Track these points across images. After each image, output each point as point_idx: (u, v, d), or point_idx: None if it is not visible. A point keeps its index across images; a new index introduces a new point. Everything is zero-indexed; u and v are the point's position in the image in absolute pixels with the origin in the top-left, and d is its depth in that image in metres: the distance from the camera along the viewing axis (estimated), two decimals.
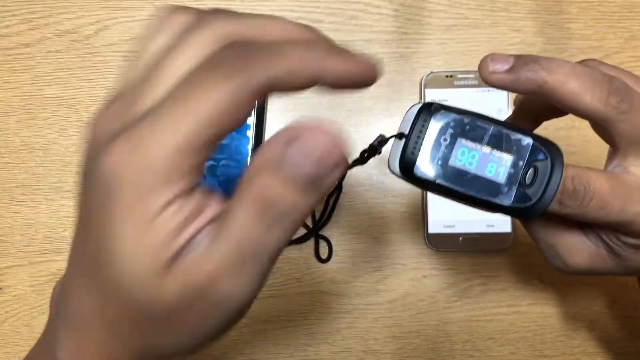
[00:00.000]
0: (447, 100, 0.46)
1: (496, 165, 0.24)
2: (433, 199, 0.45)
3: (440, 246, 0.45)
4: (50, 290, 0.44)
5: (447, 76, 0.46)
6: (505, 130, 0.24)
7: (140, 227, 0.17)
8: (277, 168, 0.17)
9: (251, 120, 0.45)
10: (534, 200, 0.24)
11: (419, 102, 0.24)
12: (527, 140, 0.24)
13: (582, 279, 0.45)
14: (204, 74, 0.17)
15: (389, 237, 0.46)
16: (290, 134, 0.17)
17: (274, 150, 0.17)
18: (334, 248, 0.45)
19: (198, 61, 0.17)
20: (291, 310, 0.45)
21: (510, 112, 0.45)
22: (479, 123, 0.24)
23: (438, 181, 0.23)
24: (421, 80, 0.46)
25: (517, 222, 0.45)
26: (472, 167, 0.24)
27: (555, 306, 0.45)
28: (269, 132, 0.46)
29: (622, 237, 0.27)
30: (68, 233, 0.46)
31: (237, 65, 0.17)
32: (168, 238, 0.17)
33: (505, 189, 0.24)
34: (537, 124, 0.31)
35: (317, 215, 0.46)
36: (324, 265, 0.45)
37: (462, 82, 0.46)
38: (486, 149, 0.24)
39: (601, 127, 0.26)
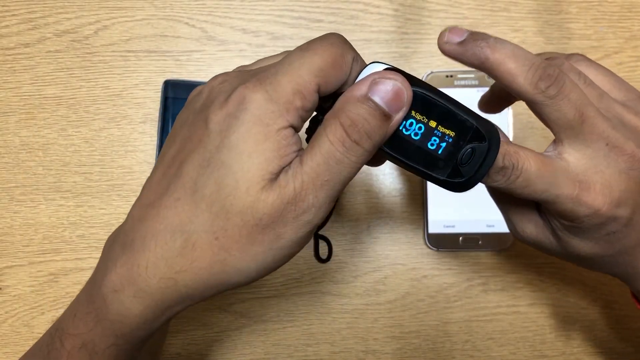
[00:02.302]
0: None
1: (438, 140, 0.26)
2: (433, 198, 0.45)
3: (440, 246, 0.45)
4: (50, 290, 0.44)
5: (447, 76, 0.46)
6: (454, 110, 0.26)
7: (260, 141, 0.22)
8: (364, 99, 0.23)
9: None
10: (464, 178, 0.26)
11: (376, 62, 0.25)
12: (471, 123, 0.25)
13: (583, 278, 0.45)
14: (316, 42, 0.24)
15: (389, 237, 0.46)
16: (374, 78, 0.23)
17: (362, 88, 0.23)
18: (334, 248, 0.45)
19: None
20: (291, 310, 0.45)
21: (510, 112, 0.45)
22: (432, 98, 0.25)
23: (384, 147, 0.25)
24: None
25: None
26: (417, 139, 0.25)
27: (555, 306, 0.45)
28: None
29: (555, 216, 0.28)
30: (67, 233, 0.46)
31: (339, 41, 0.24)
32: (278, 154, 0.22)
33: (442, 163, 0.26)
34: (509, 103, 0.35)
35: None
36: (324, 265, 0.45)
37: (462, 82, 0.46)
38: (432, 124, 0.25)
39: (533, 110, 0.27)
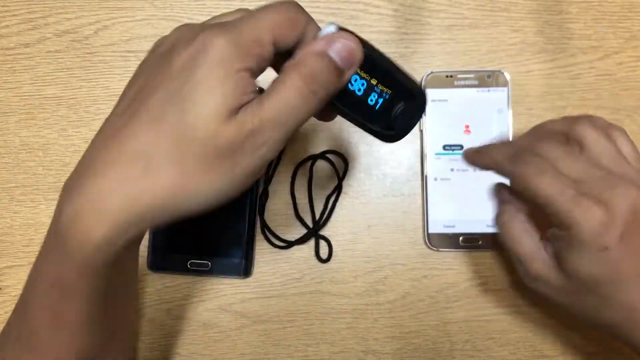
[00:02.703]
0: (446, 100, 0.46)
1: (377, 96, 0.29)
2: (433, 198, 0.45)
3: (440, 246, 0.45)
4: None
5: (447, 76, 0.46)
6: (393, 72, 0.29)
7: (221, 79, 0.24)
8: (322, 54, 0.25)
9: None
10: (395, 131, 0.30)
11: (332, 23, 0.27)
12: (405, 84, 0.30)
13: None
14: (275, 4, 0.26)
15: (389, 237, 0.46)
16: (332, 37, 0.26)
17: (320, 44, 0.26)
18: (334, 248, 0.45)
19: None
20: (291, 310, 0.45)
21: (509, 113, 0.45)
22: (377, 59, 0.28)
23: (334, 101, 0.27)
24: (421, 80, 0.46)
25: None
26: (360, 94, 0.28)
27: (555, 306, 0.45)
28: None
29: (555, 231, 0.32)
30: None
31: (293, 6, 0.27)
32: (237, 92, 0.24)
33: (379, 117, 0.29)
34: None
35: (317, 215, 0.46)
36: (324, 265, 0.45)
37: (462, 82, 0.46)
38: (373, 82, 0.28)
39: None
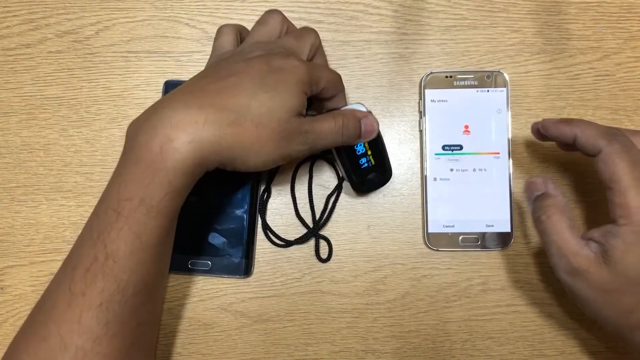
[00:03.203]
0: (446, 101, 0.46)
1: (365, 161, 0.43)
2: (433, 198, 0.45)
3: (440, 246, 0.45)
4: None
5: (446, 77, 0.46)
6: (383, 152, 0.44)
7: (297, 92, 0.35)
8: (358, 120, 0.40)
9: None
10: (364, 187, 0.44)
11: (360, 103, 0.42)
12: (386, 165, 0.44)
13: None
14: (331, 70, 0.41)
15: (389, 237, 0.46)
16: (368, 115, 0.41)
17: (361, 114, 0.40)
18: (334, 248, 0.45)
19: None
20: (291, 310, 0.45)
21: (509, 113, 0.46)
22: (379, 141, 0.43)
23: (342, 149, 0.42)
24: (421, 81, 0.46)
25: (517, 222, 0.45)
26: (358, 154, 0.43)
27: (554, 305, 0.45)
28: None
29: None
30: (68, 233, 0.46)
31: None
32: (302, 104, 0.36)
33: (359, 173, 0.43)
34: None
35: (317, 215, 0.46)
36: (324, 265, 0.45)
37: (461, 83, 0.46)
38: (369, 152, 0.43)
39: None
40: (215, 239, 0.44)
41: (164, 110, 0.32)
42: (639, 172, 0.34)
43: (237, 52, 0.38)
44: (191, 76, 0.46)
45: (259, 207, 0.45)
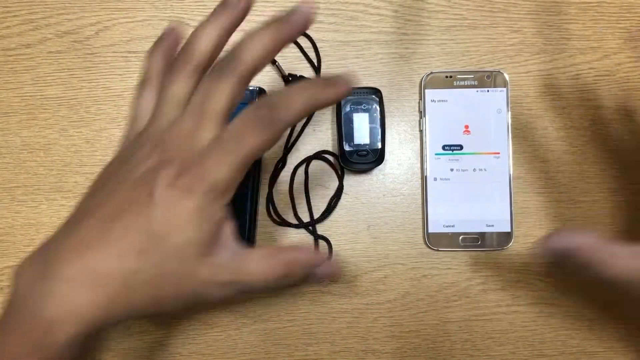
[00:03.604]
0: (446, 101, 0.46)
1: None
2: (433, 198, 0.45)
3: (440, 246, 0.45)
4: None
5: (446, 77, 0.46)
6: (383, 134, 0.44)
7: (197, 226, 0.26)
8: (308, 268, 0.30)
9: None
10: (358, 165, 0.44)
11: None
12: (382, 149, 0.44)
13: (582, 278, 0.45)
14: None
15: (389, 237, 0.46)
16: (315, 260, 0.30)
17: (307, 260, 0.30)
18: (334, 248, 0.45)
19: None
20: (291, 310, 0.45)
21: (509, 113, 0.46)
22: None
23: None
24: (421, 81, 0.46)
25: (517, 222, 0.45)
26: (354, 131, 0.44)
27: (554, 305, 0.45)
28: None
29: None
30: None
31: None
32: (211, 239, 0.27)
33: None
34: None
35: (317, 216, 0.46)
36: None
37: (461, 83, 0.46)
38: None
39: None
40: None
41: (52, 280, 0.27)
42: None
43: (126, 156, 0.29)
44: None
45: (270, 176, 0.46)
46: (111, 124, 0.47)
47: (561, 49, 0.47)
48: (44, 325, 0.26)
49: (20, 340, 0.27)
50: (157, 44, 0.32)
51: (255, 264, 0.28)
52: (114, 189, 0.28)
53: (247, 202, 0.45)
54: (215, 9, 0.30)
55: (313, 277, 0.31)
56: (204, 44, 0.29)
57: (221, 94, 0.28)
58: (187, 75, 0.29)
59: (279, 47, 0.29)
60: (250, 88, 0.45)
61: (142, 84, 0.32)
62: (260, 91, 0.45)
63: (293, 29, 0.29)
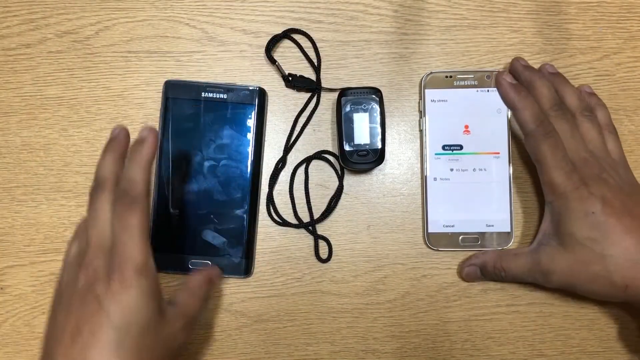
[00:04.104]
0: (446, 101, 0.46)
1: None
2: (433, 198, 0.45)
3: (440, 246, 0.45)
4: (51, 290, 0.44)
5: (446, 76, 0.46)
6: (384, 135, 0.44)
7: (151, 293, 0.33)
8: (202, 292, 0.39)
9: (252, 122, 0.45)
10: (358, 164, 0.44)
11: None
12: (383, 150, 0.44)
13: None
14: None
15: (389, 237, 0.46)
16: (202, 281, 0.39)
17: (199, 283, 0.39)
18: (334, 248, 0.45)
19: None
20: (291, 310, 0.45)
21: (509, 113, 0.46)
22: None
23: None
24: (421, 81, 0.46)
25: (517, 222, 0.45)
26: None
27: (554, 305, 0.45)
28: (268, 133, 0.46)
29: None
30: (69, 233, 0.46)
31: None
32: (160, 300, 0.34)
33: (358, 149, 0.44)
34: None
35: (316, 215, 0.46)
36: (324, 265, 0.45)
37: (461, 83, 0.46)
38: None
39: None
40: (216, 239, 0.44)
41: None
42: (560, 154, 0.39)
43: (62, 286, 0.35)
44: (191, 77, 0.47)
45: (271, 175, 0.46)
46: (111, 124, 0.47)
47: (561, 49, 0.47)
48: None
49: None
50: (106, 148, 0.38)
51: (186, 300, 0.37)
52: (67, 315, 0.33)
53: (246, 203, 0.45)
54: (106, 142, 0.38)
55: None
56: (107, 171, 0.36)
57: (101, 204, 0.35)
58: (104, 200, 0.35)
59: (149, 166, 0.35)
60: (250, 88, 0.45)
61: (94, 189, 0.36)
62: (260, 91, 0.45)
63: (122, 147, 0.37)
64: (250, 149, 0.45)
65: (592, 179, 0.39)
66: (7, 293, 0.46)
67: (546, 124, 0.40)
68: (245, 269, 0.44)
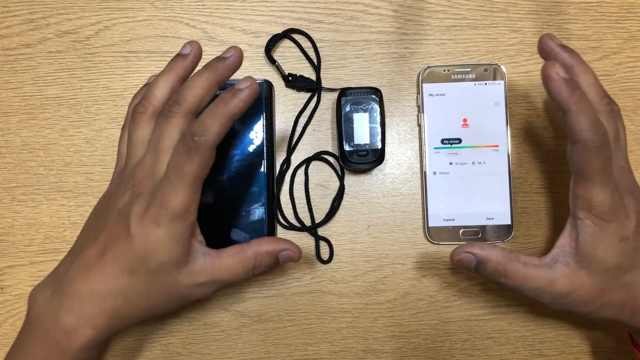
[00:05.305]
0: (444, 95, 0.46)
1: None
2: (433, 192, 0.45)
3: (440, 240, 0.45)
4: None
5: (444, 70, 0.46)
6: (383, 138, 0.44)
7: (172, 249, 0.33)
8: (274, 258, 0.37)
9: (262, 115, 0.45)
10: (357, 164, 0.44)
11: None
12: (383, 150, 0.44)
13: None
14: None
15: (388, 236, 0.46)
16: (280, 248, 0.37)
17: (274, 249, 0.37)
18: (334, 248, 0.45)
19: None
20: (291, 310, 0.45)
21: (507, 106, 0.46)
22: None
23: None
24: (418, 75, 0.46)
25: (517, 222, 0.45)
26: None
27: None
28: (277, 128, 0.47)
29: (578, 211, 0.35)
30: (68, 233, 0.46)
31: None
32: (185, 249, 0.34)
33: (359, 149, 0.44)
34: None
35: (316, 215, 0.46)
36: (324, 265, 0.45)
37: (459, 76, 0.46)
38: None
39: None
40: (237, 235, 0.44)
41: (64, 297, 0.34)
42: (609, 169, 0.33)
43: (110, 193, 0.37)
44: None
45: (277, 177, 0.46)
46: (111, 124, 0.47)
47: None
48: (62, 333, 0.33)
49: (44, 346, 0.33)
50: (137, 94, 0.40)
51: (229, 261, 0.35)
52: (103, 224, 0.35)
53: (263, 197, 0.45)
54: (170, 60, 0.37)
55: (277, 261, 0.37)
56: (159, 92, 0.36)
57: (170, 131, 0.34)
58: (145, 120, 0.36)
59: (215, 86, 0.35)
60: (258, 81, 0.45)
61: (123, 127, 0.39)
62: (267, 83, 0.45)
63: (226, 69, 0.35)
64: (263, 143, 0.45)
65: (627, 196, 0.35)
66: (7, 293, 0.46)
67: (603, 134, 0.33)
68: None
